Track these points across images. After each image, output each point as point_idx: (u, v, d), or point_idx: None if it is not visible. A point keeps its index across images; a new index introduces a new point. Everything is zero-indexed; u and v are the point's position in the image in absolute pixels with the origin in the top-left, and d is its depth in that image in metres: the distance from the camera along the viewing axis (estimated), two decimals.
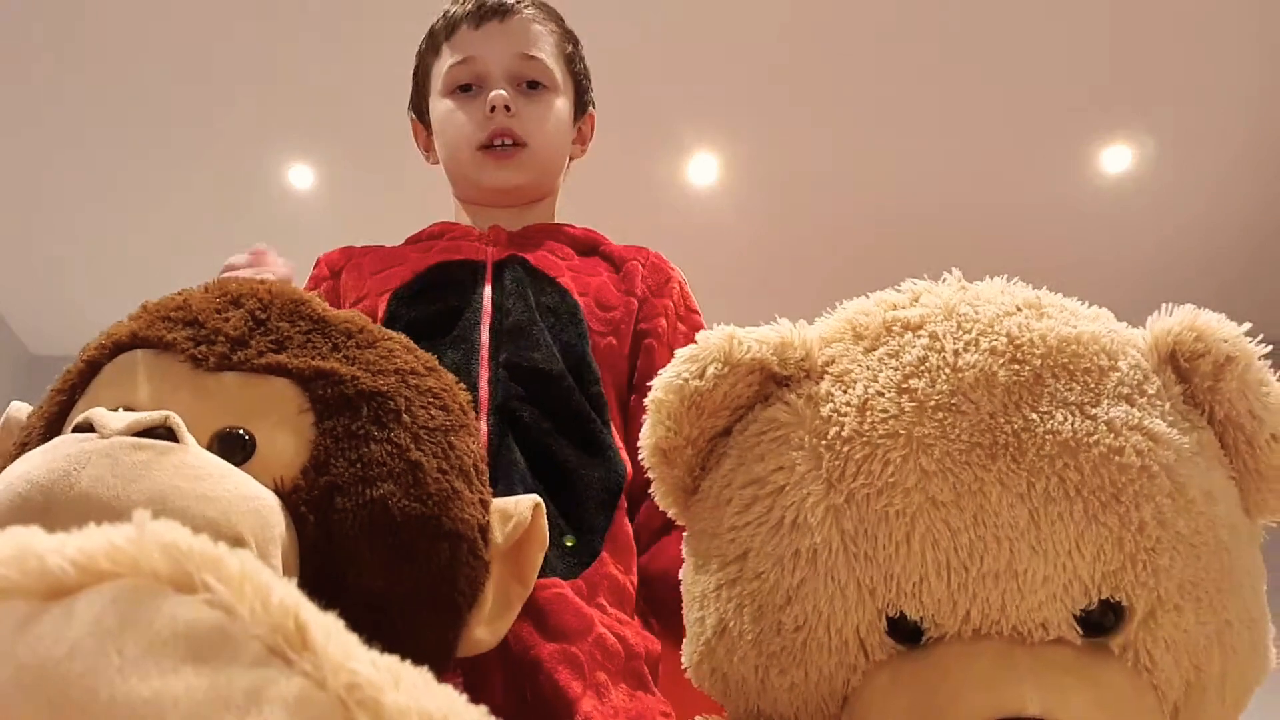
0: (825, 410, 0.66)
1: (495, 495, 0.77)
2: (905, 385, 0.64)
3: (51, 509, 0.49)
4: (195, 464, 0.54)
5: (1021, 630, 0.60)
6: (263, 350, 0.63)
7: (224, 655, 0.34)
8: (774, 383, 0.69)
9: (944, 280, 0.71)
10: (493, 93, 1.17)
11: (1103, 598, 0.60)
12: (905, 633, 0.62)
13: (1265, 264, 3.76)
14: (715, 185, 3.62)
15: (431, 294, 1.09)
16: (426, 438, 0.67)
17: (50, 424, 0.65)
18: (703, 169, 3.57)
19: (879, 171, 3.49)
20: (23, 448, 0.64)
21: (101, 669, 0.32)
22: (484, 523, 0.71)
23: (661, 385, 0.70)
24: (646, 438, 0.71)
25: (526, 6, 1.22)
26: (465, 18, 1.21)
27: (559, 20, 1.27)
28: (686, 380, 0.69)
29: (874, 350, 0.67)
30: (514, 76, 1.20)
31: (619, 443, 1.02)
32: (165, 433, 0.55)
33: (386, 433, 0.64)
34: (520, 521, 0.73)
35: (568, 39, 1.27)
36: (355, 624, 0.44)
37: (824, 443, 0.64)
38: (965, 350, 0.64)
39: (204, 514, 0.53)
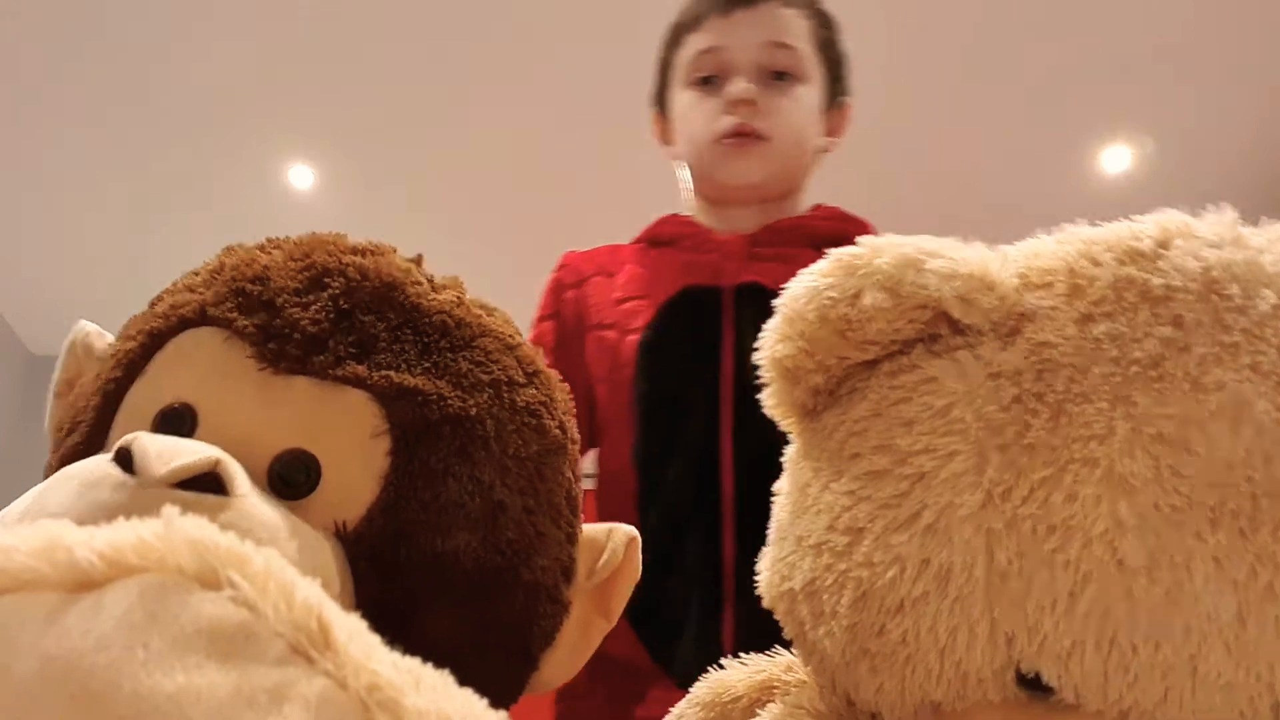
0: (1007, 394, 0.49)
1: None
2: (1125, 394, 0.47)
3: None
4: (243, 528, 0.48)
5: None
6: (342, 356, 0.56)
7: (248, 653, 0.34)
8: (947, 323, 0.52)
9: (1206, 214, 0.51)
10: (733, 87, 1.10)
11: None
12: (1033, 682, 0.49)
13: None
14: None
15: (675, 342, 1.07)
16: (515, 470, 0.59)
17: (106, 404, 0.60)
18: None
19: (876, 171, 3.49)
20: (73, 429, 0.60)
21: (126, 663, 0.33)
22: (569, 563, 0.64)
23: (801, 294, 0.54)
24: (768, 348, 0.57)
25: None
26: (713, 5, 1.14)
27: (812, 3, 1.18)
28: (834, 300, 0.52)
29: (1092, 322, 0.49)
30: (761, 66, 1.13)
31: None
32: (214, 478, 0.50)
33: (470, 467, 0.57)
34: (611, 560, 0.66)
35: (824, 23, 1.19)
36: None
37: (997, 441, 0.48)
38: (1219, 361, 0.46)
39: None
